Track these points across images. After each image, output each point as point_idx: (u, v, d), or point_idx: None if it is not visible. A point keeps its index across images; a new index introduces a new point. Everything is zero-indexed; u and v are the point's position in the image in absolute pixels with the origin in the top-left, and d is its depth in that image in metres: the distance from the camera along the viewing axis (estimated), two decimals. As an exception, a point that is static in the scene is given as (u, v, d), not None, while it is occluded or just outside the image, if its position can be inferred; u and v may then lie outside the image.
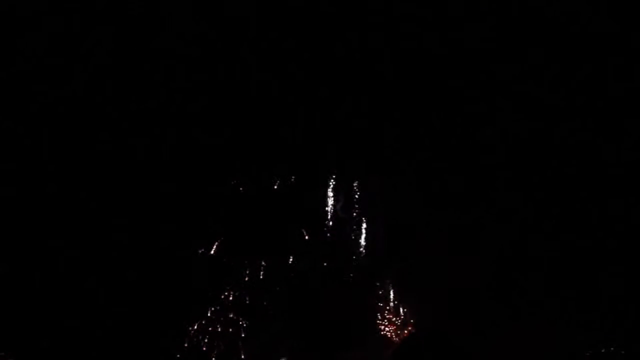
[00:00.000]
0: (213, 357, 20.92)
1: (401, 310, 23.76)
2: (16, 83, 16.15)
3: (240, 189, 22.05)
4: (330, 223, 24.73)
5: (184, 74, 17.06)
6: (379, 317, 23.95)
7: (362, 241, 24.61)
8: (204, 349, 21.17)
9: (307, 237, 24.09)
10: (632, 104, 15.89)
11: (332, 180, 24.66)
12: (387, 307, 24.28)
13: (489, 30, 17.36)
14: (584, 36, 15.57)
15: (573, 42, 16.31)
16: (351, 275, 23.77)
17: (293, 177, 23.07)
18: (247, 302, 22.84)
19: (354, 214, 24.43)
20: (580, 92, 16.93)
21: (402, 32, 18.02)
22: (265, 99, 18.92)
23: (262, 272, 23.19)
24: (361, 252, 24.45)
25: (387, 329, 24.01)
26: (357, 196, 24.28)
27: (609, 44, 15.56)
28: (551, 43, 16.65)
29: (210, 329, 21.77)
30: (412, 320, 22.99)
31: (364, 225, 24.90)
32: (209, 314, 21.75)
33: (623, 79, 16.51)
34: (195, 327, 21.10)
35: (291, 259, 23.06)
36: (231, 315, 22.96)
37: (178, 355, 19.12)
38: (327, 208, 24.60)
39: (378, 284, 23.94)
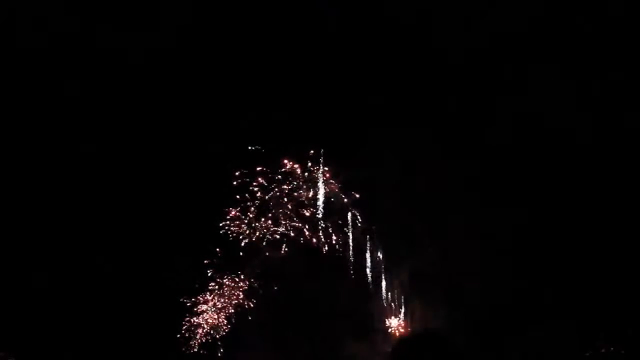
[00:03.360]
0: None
1: (403, 307, 23.83)
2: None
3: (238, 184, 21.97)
4: (340, 222, 24.68)
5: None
6: (383, 313, 24.06)
7: (370, 241, 24.61)
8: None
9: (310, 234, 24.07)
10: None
11: (342, 177, 24.54)
12: (390, 304, 24.34)
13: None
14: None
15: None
16: (356, 272, 23.79)
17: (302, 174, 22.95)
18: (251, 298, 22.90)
19: (363, 214, 24.38)
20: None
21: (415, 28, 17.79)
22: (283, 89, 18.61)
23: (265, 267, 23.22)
24: (368, 250, 24.45)
25: (389, 325, 24.09)
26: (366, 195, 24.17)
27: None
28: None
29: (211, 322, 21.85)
30: (412, 318, 23.06)
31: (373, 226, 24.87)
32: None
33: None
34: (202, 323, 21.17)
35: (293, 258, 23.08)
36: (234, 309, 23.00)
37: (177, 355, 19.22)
38: (336, 206, 24.50)
39: (383, 281, 24.02)
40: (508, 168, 18.72)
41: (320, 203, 24.19)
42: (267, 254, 22.92)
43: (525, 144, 18.47)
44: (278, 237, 23.36)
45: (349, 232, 23.98)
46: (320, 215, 24.01)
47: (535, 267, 18.71)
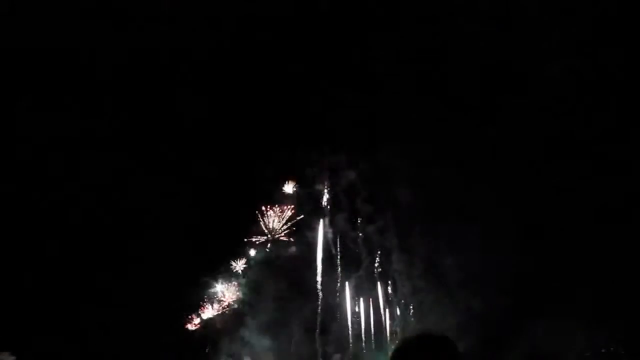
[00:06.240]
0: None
1: (409, 310, 23.87)
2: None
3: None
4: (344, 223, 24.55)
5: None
6: (385, 315, 24.08)
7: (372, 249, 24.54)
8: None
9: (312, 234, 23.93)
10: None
11: (341, 176, 24.36)
12: (393, 306, 24.34)
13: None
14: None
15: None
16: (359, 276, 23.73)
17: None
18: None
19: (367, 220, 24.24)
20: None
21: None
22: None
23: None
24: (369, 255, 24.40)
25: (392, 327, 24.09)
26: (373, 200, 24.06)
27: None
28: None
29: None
30: (413, 320, 23.07)
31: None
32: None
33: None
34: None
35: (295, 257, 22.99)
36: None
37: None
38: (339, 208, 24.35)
39: (387, 283, 24.03)
40: (511, 168, 18.70)
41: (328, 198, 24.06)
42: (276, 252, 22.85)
43: (528, 143, 18.45)
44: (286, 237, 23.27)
45: (358, 228, 23.93)
46: (328, 212, 23.91)
47: (537, 267, 18.69)
